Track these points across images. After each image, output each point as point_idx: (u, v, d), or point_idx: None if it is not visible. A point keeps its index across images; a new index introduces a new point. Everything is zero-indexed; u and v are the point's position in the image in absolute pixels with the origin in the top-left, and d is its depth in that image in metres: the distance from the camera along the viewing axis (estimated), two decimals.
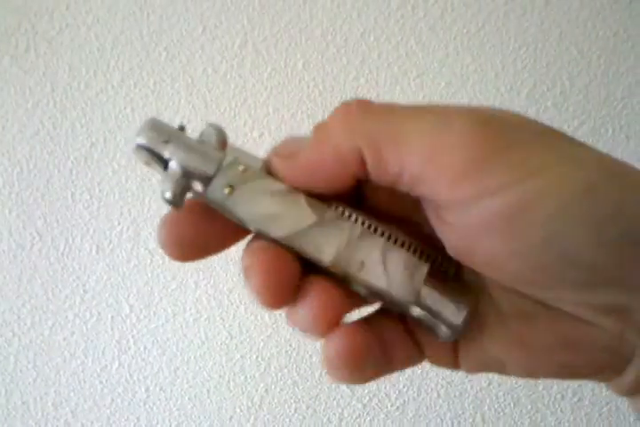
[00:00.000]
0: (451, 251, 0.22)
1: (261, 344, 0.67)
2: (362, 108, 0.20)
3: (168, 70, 0.62)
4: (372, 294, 0.23)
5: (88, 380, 0.67)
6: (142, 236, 0.64)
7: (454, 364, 0.24)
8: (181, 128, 0.22)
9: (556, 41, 0.64)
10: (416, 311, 0.22)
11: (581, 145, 0.19)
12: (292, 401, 0.68)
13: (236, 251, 0.65)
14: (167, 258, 0.66)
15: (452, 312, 0.22)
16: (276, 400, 0.68)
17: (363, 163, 0.20)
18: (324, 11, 0.62)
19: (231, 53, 0.62)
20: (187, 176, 0.21)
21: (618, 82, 0.65)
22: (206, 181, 0.21)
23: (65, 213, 0.64)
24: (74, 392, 0.67)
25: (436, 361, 0.24)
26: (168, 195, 0.21)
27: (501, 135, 0.18)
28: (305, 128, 0.63)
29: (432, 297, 0.22)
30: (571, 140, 0.19)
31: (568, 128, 0.65)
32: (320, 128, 0.21)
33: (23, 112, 0.62)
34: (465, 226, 0.20)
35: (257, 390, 0.68)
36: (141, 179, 0.63)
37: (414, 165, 0.19)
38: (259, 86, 0.63)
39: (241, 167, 0.22)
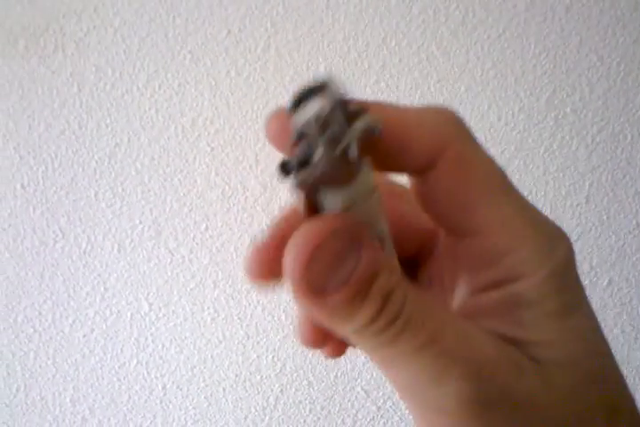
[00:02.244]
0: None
1: (278, 345, 0.68)
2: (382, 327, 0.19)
3: (192, 73, 0.63)
4: None
5: (106, 377, 0.68)
6: (163, 235, 0.65)
7: None
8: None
9: (576, 47, 0.64)
10: None
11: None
12: (307, 402, 0.69)
13: None
14: (187, 257, 0.66)
15: None
16: (290, 401, 0.69)
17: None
18: (347, 15, 0.63)
19: (254, 57, 0.63)
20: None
21: (637, 89, 0.65)
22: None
23: (88, 211, 0.65)
24: (92, 389, 0.68)
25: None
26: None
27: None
28: None
29: None
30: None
31: (587, 134, 0.65)
32: (351, 303, 0.18)
33: (50, 111, 0.63)
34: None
35: (272, 390, 0.69)
36: (164, 179, 0.64)
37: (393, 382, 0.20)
38: (281, 89, 0.63)
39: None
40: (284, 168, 0.17)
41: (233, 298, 0.67)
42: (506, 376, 0.18)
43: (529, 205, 0.20)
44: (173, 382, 0.68)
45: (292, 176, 0.17)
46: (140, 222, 0.65)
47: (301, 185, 0.17)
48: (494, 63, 0.64)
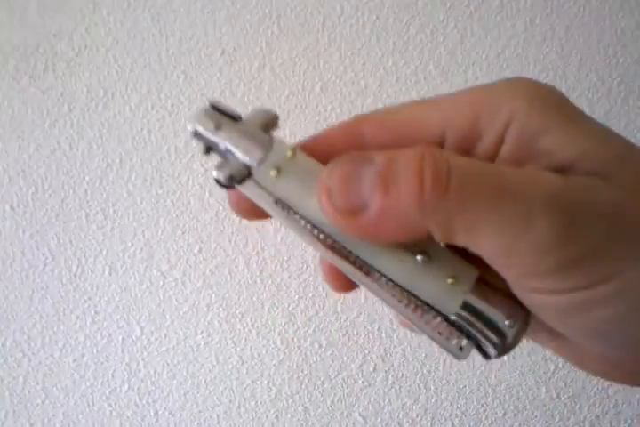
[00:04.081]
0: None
1: (273, 369, 0.66)
2: (438, 189, 0.18)
3: (186, 93, 0.62)
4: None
5: (97, 402, 0.66)
6: (155, 258, 0.64)
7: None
8: (236, 117, 0.23)
9: (576, 67, 0.63)
10: (457, 321, 0.21)
11: None
12: None
13: (250, 276, 0.64)
14: (180, 280, 0.65)
15: (501, 326, 0.21)
16: None
17: (429, 235, 0.20)
18: (343, 35, 0.62)
19: (249, 76, 0.62)
20: (236, 160, 0.22)
21: (639, 109, 0.64)
22: (256, 163, 0.22)
23: (79, 233, 0.63)
24: (82, 415, 0.66)
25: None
26: (220, 177, 0.22)
27: (581, 240, 0.18)
28: None
29: (478, 308, 0.21)
30: None
31: None
32: (388, 193, 0.19)
33: (40, 132, 0.62)
34: (529, 302, 0.21)
35: (267, 417, 0.67)
36: (156, 200, 0.63)
37: (487, 256, 0.19)
38: (276, 109, 0.62)
39: (289, 152, 0.22)
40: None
41: (227, 322, 0.65)
42: (583, 195, 0.19)
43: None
44: (165, 409, 0.67)
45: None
46: (132, 245, 0.64)
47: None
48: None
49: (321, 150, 0.23)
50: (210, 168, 0.63)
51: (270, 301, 0.65)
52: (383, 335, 0.65)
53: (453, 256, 0.22)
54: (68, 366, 0.65)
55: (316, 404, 0.67)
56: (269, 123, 0.23)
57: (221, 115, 0.22)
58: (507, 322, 0.21)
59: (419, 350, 0.65)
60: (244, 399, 0.67)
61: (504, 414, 0.67)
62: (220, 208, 0.63)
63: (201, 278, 0.64)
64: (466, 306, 0.21)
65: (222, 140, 0.22)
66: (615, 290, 0.18)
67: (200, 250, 0.64)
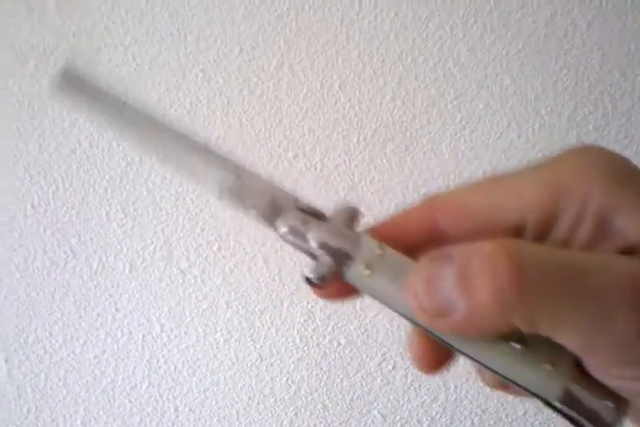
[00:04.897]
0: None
1: (292, 367, 0.66)
2: (514, 286, 0.18)
3: (204, 91, 0.62)
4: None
5: (118, 398, 0.67)
6: (175, 255, 0.64)
7: None
8: (322, 216, 0.24)
9: (598, 63, 0.63)
10: (558, 406, 0.21)
11: None
12: (322, 426, 0.67)
13: (269, 274, 0.64)
14: (199, 278, 0.65)
15: (603, 411, 0.21)
16: (305, 424, 0.67)
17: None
18: (362, 32, 0.62)
19: (267, 75, 0.62)
20: (327, 260, 0.23)
21: None
22: (346, 261, 0.22)
23: (99, 231, 0.64)
24: (103, 411, 0.67)
25: None
26: (312, 276, 0.23)
27: None
28: (340, 149, 0.63)
29: (579, 395, 0.21)
30: None
31: None
32: (469, 294, 0.19)
33: (60, 131, 0.62)
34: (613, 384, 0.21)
35: (286, 414, 0.67)
36: (176, 198, 0.63)
37: (570, 347, 0.20)
38: (294, 107, 0.62)
39: (378, 250, 0.22)
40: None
41: (246, 319, 0.65)
42: None
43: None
44: (186, 405, 0.67)
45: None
46: (152, 242, 0.64)
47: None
48: (513, 80, 0.63)
49: (396, 237, 0.23)
50: None
51: (289, 298, 0.65)
52: (402, 333, 0.65)
53: (548, 341, 0.22)
54: (89, 363, 0.66)
55: (334, 401, 0.67)
56: (353, 218, 0.24)
57: (308, 215, 0.23)
58: (608, 404, 0.21)
59: None
60: (263, 396, 0.67)
61: (524, 412, 0.67)
62: None
63: (220, 276, 0.65)
64: (567, 392, 0.21)
65: (311, 241, 0.23)
66: None
67: (219, 248, 0.64)
